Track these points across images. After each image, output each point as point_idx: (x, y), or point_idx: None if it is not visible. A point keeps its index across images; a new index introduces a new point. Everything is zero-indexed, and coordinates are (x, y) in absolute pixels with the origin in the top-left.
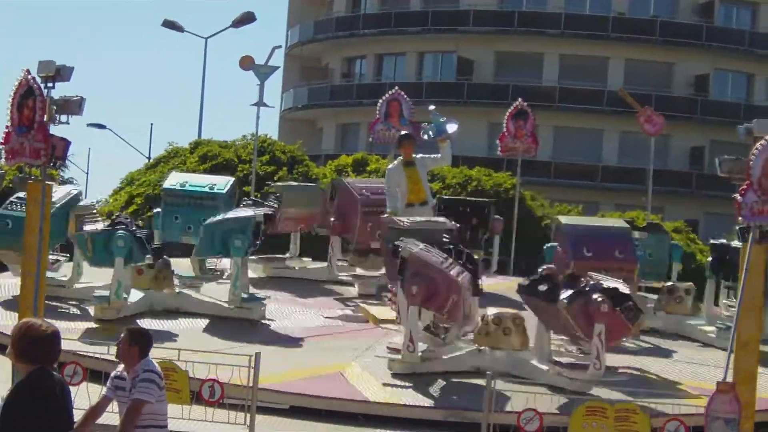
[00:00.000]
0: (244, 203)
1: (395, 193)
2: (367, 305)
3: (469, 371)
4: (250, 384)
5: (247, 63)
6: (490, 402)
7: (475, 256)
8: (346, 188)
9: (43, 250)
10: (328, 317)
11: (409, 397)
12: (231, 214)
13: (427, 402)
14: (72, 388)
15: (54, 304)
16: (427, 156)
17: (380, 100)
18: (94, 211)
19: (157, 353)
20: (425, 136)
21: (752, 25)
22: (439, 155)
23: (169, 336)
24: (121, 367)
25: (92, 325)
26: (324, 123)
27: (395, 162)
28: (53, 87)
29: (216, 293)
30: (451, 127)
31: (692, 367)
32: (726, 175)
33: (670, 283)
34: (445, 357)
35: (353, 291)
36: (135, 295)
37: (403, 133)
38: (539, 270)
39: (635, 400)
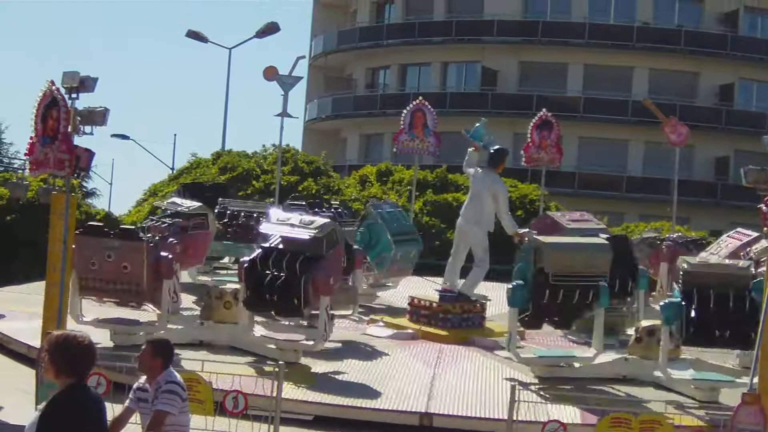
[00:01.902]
0: None
1: None
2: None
3: None
4: (274, 395)
5: (271, 73)
6: (513, 412)
7: None
8: None
9: (67, 261)
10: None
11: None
12: None
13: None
14: None
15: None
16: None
17: (404, 111)
18: None
19: (180, 364)
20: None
21: None
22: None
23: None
24: (143, 378)
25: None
26: (348, 133)
27: (501, 178)
28: (77, 98)
29: None
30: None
31: None
32: (751, 185)
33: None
34: None
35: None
36: None
37: (502, 147)
38: None
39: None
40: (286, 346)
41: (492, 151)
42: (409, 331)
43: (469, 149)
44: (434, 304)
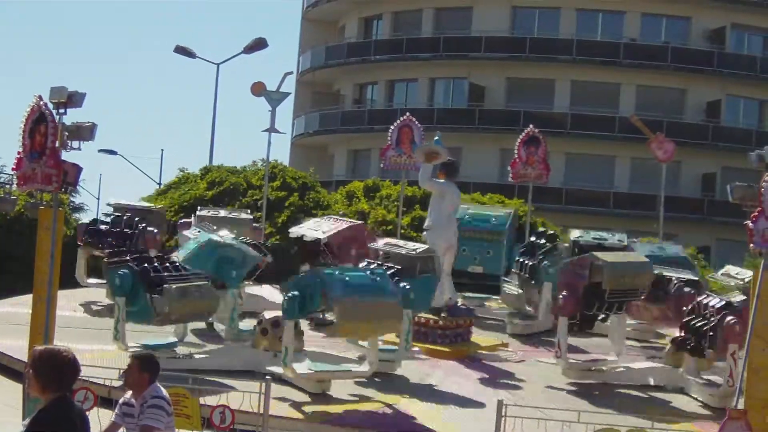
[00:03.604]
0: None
1: None
2: None
3: None
4: (261, 410)
5: (258, 89)
6: (501, 428)
7: None
8: None
9: (54, 275)
10: None
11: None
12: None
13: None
14: None
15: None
16: None
17: (392, 126)
18: None
19: (167, 379)
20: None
21: (764, 51)
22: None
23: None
24: (129, 393)
25: (102, 349)
26: (335, 149)
27: None
28: (65, 113)
29: None
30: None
31: None
32: (738, 201)
33: None
34: None
35: None
36: None
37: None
38: None
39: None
40: None
41: (451, 163)
42: (415, 348)
43: (426, 164)
44: (432, 321)
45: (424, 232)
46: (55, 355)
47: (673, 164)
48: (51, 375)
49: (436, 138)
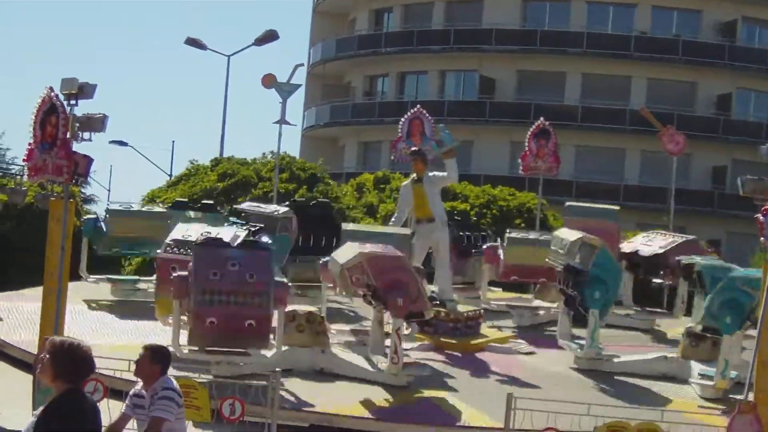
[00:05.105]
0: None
1: (401, 209)
2: None
3: None
4: (271, 402)
5: (269, 81)
6: (510, 420)
7: None
8: None
9: (64, 267)
10: None
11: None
12: None
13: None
14: None
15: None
16: (436, 173)
17: (402, 119)
18: None
19: (178, 371)
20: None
21: None
22: (446, 173)
23: None
24: (139, 384)
25: (112, 342)
26: (346, 141)
27: (408, 179)
28: (76, 104)
29: None
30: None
31: None
32: (748, 194)
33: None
34: None
35: None
36: None
37: (412, 149)
38: None
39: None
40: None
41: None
42: (426, 342)
43: (449, 159)
44: (442, 313)
45: (435, 224)
46: (75, 348)
47: (684, 157)
48: (67, 366)
49: (447, 131)
